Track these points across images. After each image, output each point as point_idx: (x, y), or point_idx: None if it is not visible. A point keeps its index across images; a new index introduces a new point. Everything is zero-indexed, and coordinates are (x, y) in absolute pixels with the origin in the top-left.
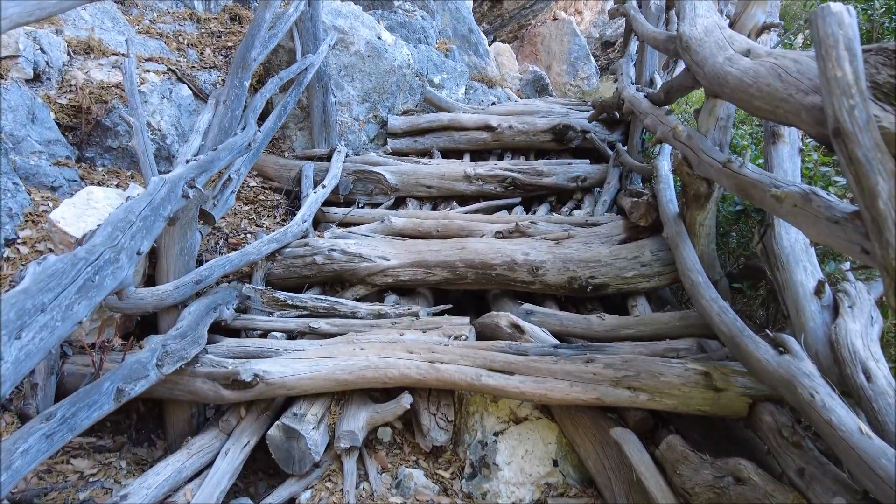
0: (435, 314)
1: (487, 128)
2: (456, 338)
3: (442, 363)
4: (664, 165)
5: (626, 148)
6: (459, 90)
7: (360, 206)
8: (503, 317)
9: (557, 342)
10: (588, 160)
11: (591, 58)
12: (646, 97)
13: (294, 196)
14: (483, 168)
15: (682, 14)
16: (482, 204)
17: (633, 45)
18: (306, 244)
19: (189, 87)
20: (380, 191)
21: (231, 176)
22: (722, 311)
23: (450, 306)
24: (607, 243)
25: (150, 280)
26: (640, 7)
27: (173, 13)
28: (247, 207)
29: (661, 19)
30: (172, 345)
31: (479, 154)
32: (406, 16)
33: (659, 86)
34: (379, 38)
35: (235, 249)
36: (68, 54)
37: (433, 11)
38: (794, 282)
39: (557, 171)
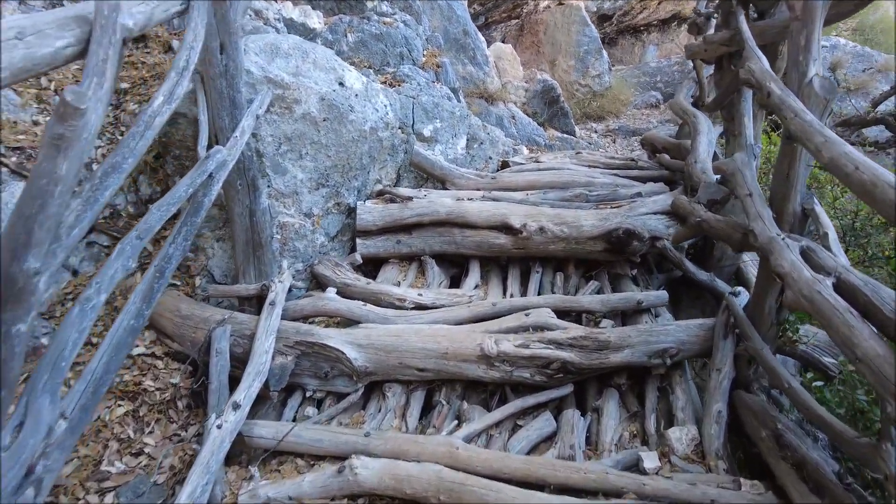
0: None
1: (507, 228)
2: None
3: None
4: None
5: (743, 295)
6: (459, 143)
7: (308, 395)
8: None
9: None
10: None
11: (603, 52)
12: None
13: (203, 370)
14: (511, 343)
15: None
16: (509, 408)
17: (749, 124)
18: None
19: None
20: (339, 372)
21: None
22: None
23: None
24: None
25: None
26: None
27: None
28: (122, 409)
29: (827, 113)
30: None
31: (494, 262)
32: (382, 24)
33: (830, 230)
34: (342, 83)
35: None
36: None
37: (419, 13)
38: None
39: (633, 340)
